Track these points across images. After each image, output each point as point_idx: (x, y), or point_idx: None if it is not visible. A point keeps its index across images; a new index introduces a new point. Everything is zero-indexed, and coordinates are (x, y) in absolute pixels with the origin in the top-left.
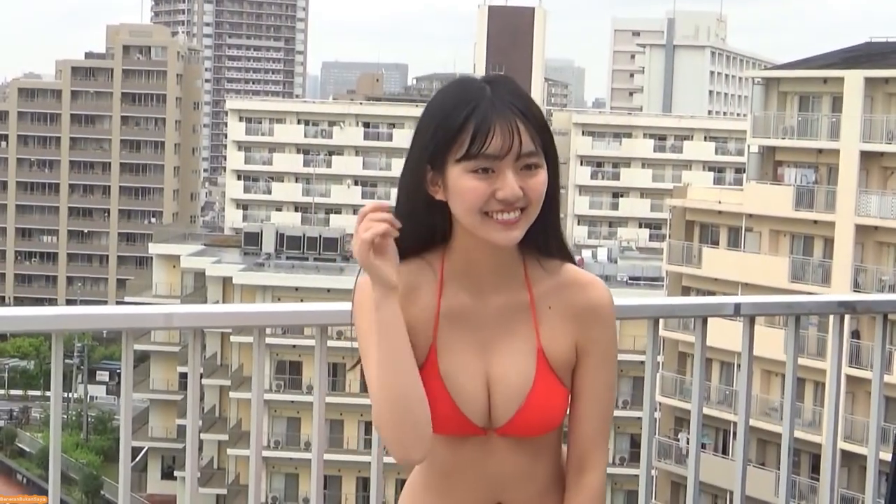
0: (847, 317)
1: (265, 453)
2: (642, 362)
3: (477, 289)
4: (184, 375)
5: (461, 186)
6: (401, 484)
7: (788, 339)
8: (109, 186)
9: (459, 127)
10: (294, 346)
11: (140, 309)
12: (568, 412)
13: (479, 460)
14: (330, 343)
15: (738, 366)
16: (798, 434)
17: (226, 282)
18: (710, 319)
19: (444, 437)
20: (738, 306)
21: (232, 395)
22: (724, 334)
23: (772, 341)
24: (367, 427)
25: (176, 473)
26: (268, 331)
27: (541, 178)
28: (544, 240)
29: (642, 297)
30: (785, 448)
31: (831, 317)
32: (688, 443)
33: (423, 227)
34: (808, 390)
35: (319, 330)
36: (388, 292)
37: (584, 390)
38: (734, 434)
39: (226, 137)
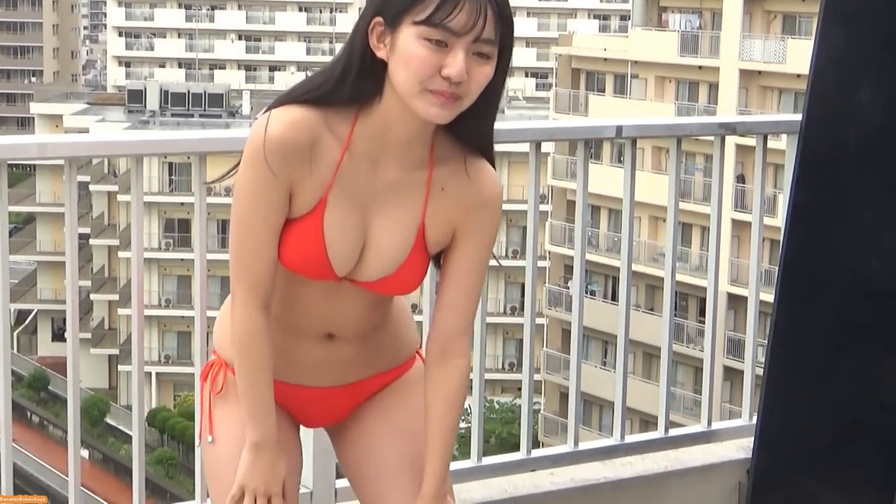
0: (734, 163)
1: (157, 312)
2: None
3: (380, 158)
4: None
5: (410, 51)
6: None
7: (670, 161)
8: None
9: None
10: (182, 204)
11: (12, 139)
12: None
13: (324, 299)
14: (218, 200)
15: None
16: (686, 279)
17: None
18: (596, 168)
19: (298, 276)
20: (619, 129)
21: (121, 254)
22: (612, 182)
23: (659, 188)
24: None
25: (66, 335)
26: (154, 188)
27: (487, 70)
28: (470, 131)
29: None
30: (668, 276)
31: (715, 156)
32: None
33: (352, 82)
34: (695, 235)
35: (199, 158)
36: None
37: (454, 277)
38: None
39: None
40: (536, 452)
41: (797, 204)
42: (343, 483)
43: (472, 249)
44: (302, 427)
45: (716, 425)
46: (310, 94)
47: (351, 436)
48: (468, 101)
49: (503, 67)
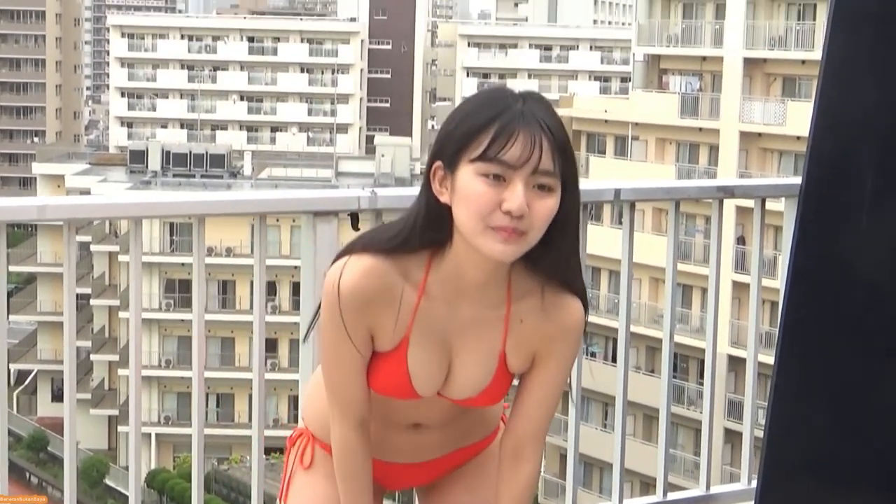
0: (734, 225)
1: (157, 373)
2: None
3: (456, 299)
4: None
5: (469, 189)
6: (293, 401)
7: (669, 224)
8: None
9: (482, 126)
10: (183, 264)
11: (11, 201)
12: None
13: (413, 404)
14: (219, 261)
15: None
16: (686, 340)
17: None
18: (596, 229)
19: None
20: (618, 192)
21: (121, 315)
22: (612, 244)
23: (659, 249)
24: None
25: (64, 395)
26: (155, 248)
27: (550, 203)
28: (549, 264)
29: None
30: (667, 335)
31: (714, 219)
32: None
33: (421, 231)
34: (695, 297)
35: (198, 220)
36: None
37: (533, 391)
38: None
39: (108, 54)
40: None
41: (797, 266)
42: None
43: (550, 370)
44: None
45: (714, 489)
46: (382, 244)
47: (437, 501)
48: (534, 237)
49: (571, 198)
